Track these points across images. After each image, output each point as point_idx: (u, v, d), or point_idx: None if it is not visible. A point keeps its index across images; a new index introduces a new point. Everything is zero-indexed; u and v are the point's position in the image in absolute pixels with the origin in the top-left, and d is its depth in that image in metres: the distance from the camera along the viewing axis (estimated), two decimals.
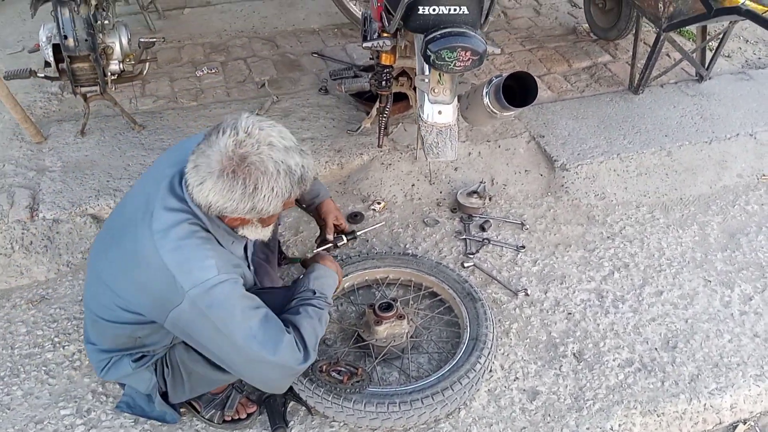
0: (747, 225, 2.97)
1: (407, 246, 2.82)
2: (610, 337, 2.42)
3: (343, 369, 2.09)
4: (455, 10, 2.25)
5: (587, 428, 2.12)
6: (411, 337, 2.34)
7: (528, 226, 2.93)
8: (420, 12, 2.27)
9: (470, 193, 3.02)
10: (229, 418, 2.12)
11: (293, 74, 3.88)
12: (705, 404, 2.21)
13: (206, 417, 2.11)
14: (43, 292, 2.61)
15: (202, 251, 1.64)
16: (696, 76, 3.84)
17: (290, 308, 1.88)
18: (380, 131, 3.11)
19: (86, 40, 2.88)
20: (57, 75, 3.06)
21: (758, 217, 3.02)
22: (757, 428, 2.25)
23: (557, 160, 3.18)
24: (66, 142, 3.23)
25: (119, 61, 3.10)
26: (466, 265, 2.72)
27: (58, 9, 2.81)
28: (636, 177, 3.19)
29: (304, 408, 2.16)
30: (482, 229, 2.91)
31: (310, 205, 2.27)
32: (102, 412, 2.16)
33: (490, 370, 2.28)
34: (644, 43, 3.97)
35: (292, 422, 2.13)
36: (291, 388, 2.14)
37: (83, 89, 3.09)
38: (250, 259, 1.94)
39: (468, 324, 2.30)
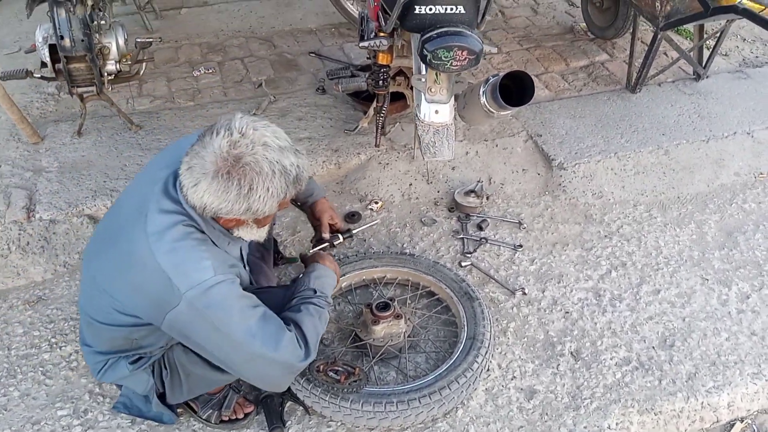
0: (744, 223, 2.97)
1: (405, 245, 2.82)
2: (608, 336, 2.42)
3: (340, 368, 2.09)
4: (452, 9, 2.26)
5: (585, 427, 2.12)
6: (408, 336, 2.34)
7: (525, 225, 2.92)
8: (416, 11, 2.27)
9: (468, 193, 3.02)
10: (227, 418, 2.11)
11: (290, 74, 3.88)
12: (702, 402, 2.21)
13: (203, 417, 2.11)
14: (40, 293, 2.60)
15: (197, 253, 1.63)
16: (693, 74, 3.84)
17: (291, 306, 1.87)
18: (377, 131, 3.11)
19: (82, 41, 2.88)
20: (53, 75, 3.06)
21: (755, 216, 3.02)
22: (754, 426, 2.25)
23: (555, 159, 3.19)
24: (63, 142, 3.23)
25: (116, 62, 3.10)
26: (463, 264, 2.72)
27: (54, 9, 2.81)
28: (633, 176, 3.19)
29: (301, 408, 2.15)
30: (479, 228, 2.91)
31: (303, 204, 2.26)
32: (99, 412, 2.15)
33: (488, 370, 2.28)
34: (642, 41, 3.97)
35: (289, 422, 2.13)
36: (288, 388, 2.14)
37: (80, 89, 3.09)
38: (245, 259, 1.93)
39: (465, 323, 2.30)
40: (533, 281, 2.65)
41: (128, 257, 1.65)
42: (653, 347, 2.38)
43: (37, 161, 3.10)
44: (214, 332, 1.66)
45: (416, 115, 2.46)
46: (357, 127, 3.29)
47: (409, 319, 2.37)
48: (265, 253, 2.22)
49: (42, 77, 3.11)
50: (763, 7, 3.06)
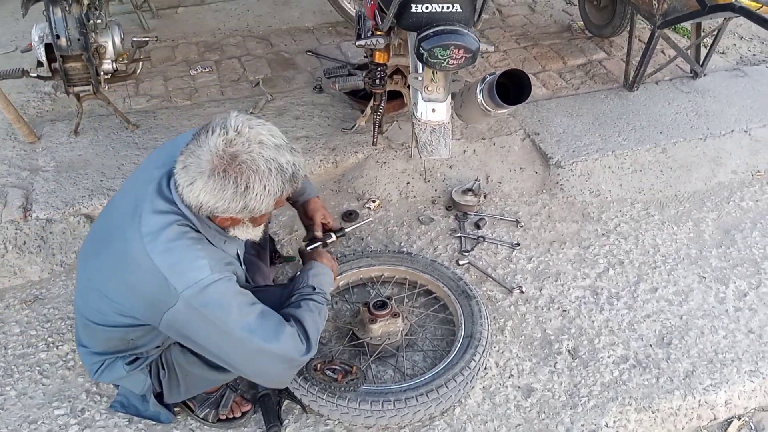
0: (742, 221, 2.98)
1: (402, 244, 2.82)
2: (605, 334, 2.42)
3: (337, 367, 2.08)
4: (448, 7, 2.26)
5: (582, 425, 2.11)
6: (406, 335, 2.34)
7: (523, 224, 2.92)
8: (413, 10, 2.27)
9: (465, 191, 3.02)
10: (224, 417, 2.11)
11: (287, 73, 3.87)
12: (699, 400, 2.21)
13: (201, 416, 2.11)
14: (37, 292, 2.60)
15: (193, 252, 1.63)
16: (691, 72, 3.84)
17: (290, 303, 1.87)
18: (375, 129, 3.11)
19: (78, 40, 2.87)
20: (50, 74, 3.05)
21: (753, 214, 3.02)
22: (751, 424, 2.25)
23: (552, 158, 3.18)
24: (59, 141, 3.22)
25: (112, 61, 3.09)
26: (461, 262, 2.71)
27: (50, 8, 2.80)
28: (631, 174, 3.19)
29: (298, 406, 2.15)
30: (477, 226, 2.91)
31: (295, 203, 2.26)
32: (96, 411, 2.15)
33: (485, 368, 2.28)
34: (639, 40, 3.96)
35: (286, 421, 2.13)
36: (286, 387, 2.15)
37: (76, 89, 3.08)
38: (242, 258, 1.93)
39: (463, 321, 2.30)
40: (531, 279, 2.65)
41: (123, 257, 1.65)
42: (651, 345, 2.38)
43: (34, 160, 3.10)
44: (213, 331, 1.65)
45: (413, 114, 2.46)
46: (354, 125, 3.28)
47: (406, 317, 2.37)
48: (261, 251, 2.22)
49: (38, 76, 3.10)
50: (760, 5, 3.06)
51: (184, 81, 3.77)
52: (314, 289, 1.92)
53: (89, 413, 2.15)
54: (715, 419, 2.24)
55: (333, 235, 2.25)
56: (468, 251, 2.77)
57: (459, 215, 2.96)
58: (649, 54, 3.53)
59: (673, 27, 3.88)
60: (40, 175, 2.99)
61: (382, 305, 2.29)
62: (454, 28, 2.23)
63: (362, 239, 2.85)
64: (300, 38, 4.26)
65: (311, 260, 2.05)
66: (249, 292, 1.73)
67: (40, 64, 3.02)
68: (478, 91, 2.33)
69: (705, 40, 3.79)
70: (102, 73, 3.09)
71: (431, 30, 2.23)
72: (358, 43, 2.67)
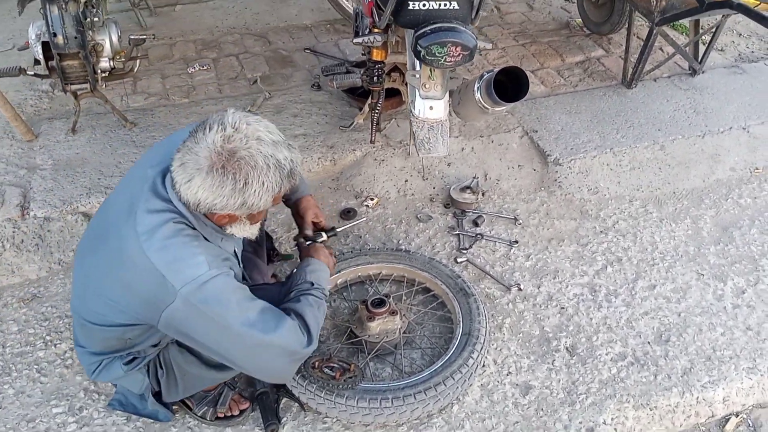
0: (740, 218, 2.97)
1: (400, 242, 2.82)
2: (603, 331, 2.42)
3: (335, 365, 2.09)
4: (445, 5, 2.25)
5: (580, 422, 2.12)
6: (404, 332, 2.34)
7: (521, 221, 2.92)
8: (410, 7, 2.27)
9: (463, 189, 3.02)
10: (222, 415, 2.11)
11: (285, 70, 3.87)
12: (697, 397, 2.21)
13: (199, 414, 2.11)
14: (35, 291, 2.60)
15: (189, 248, 1.62)
16: (689, 70, 3.84)
17: (289, 299, 1.87)
18: (372, 127, 3.10)
19: (75, 38, 2.87)
20: (47, 73, 3.04)
21: (751, 211, 3.02)
22: (749, 421, 2.26)
23: (550, 155, 3.18)
24: (57, 139, 3.22)
25: (109, 59, 3.08)
26: (459, 260, 2.71)
27: (47, 6, 2.79)
28: (629, 171, 3.19)
29: (296, 404, 2.15)
30: (475, 224, 2.91)
31: (287, 201, 2.25)
32: (94, 409, 2.15)
33: (483, 365, 2.28)
34: (637, 37, 3.96)
35: (284, 419, 2.13)
36: (283, 385, 2.15)
37: (73, 87, 3.07)
38: (239, 256, 1.93)
39: (461, 319, 2.30)
40: (529, 277, 2.65)
41: (119, 255, 1.65)
42: (649, 342, 2.38)
43: (32, 159, 3.09)
44: (212, 327, 1.65)
45: (411, 111, 2.46)
46: (352, 123, 3.28)
47: (404, 315, 2.37)
48: (258, 248, 2.22)
49: (35, 75, 3.09)
50: (758, 2, 3.06)
51: (181, 79, 3.77)
52: (312, 284, 1.92)
53: (87, 411, 2.15)
54: (713, 416, 2.24)
55: (324, 234, 2.22)
56: (466, 249, 2.77)
57: (457, 213, 2.96)
58: (647, 51, 3.53)
59: (671, 24, 3.88)
60: (37, 174, 2.99)
61: (380, 303, 2.29)
62: (452, 25, 2.22)
63: (360, 237, 2.84)
64: (298, 36, 4.26)
65: (308, 257, 2.04)
66: (247, 287, 1.73)
67: (37, 62, 3.02)
68: (475, 88, 2.33)
69: (703, 37, 3.79)
70: (99, 71, 3.08)
71: (428, 27, 2.23)
72: (355, 40, 2.66)
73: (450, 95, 2.53)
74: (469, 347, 2.17)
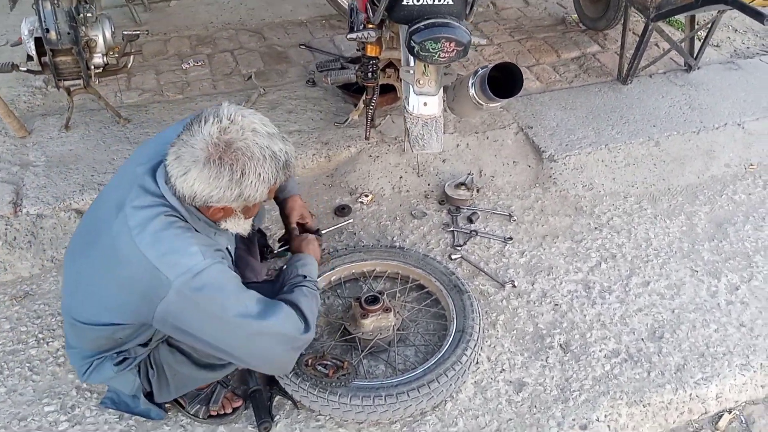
0: (734, 215, 2.97)
1: (395, 238, 2.81)
2: (597, 328, 2.42)
3: (329, 362, 2.08)
4: (439, 0, 2.24)
5: (573, 419, 2.12)
6: (397, 329, 2.33)
7: (516, 218, 2.92)
8: (404, 3, 2.26)
9: (458, 185, 3.01)
10: (215, 413, 2.10)
11: (280, 66, 3.85)
12: (691, 394, 2.21)
13: (191, 412, 2.10)
14: (27, 288, 2.59)
15: (182, 240, 1.62)
16: (684, 65, 3.84)
17: (284, 291, 1.87)
18: (367, 123, 3.10)
19: (68, 33, 2.85)
20: (40, 69, 3.02)
21: (745, 207, 3.02)
22: (742, 417, 2.26)
23: (545, 151, 3.18)
24: (50, 136, 3.20)
25: (103, 54, 3.06)
26: (453, 257, 2.71)
27: (40, 2, 2.77)
28: (624, 167, 3.19)
29: (290, 402, 2.15)
30: (470, 220, 2.90)
31: (275, 199, 2.25)
32: (86, 408, 2.14)
33: (477, 362, 2.27)
34: (633, 33, 3.96)
35: (277, 416, 2.12)
36: (276, 382, 2.14)
37: (66, 83, 3.05)
38: (233, 254, 1.92)
39: (455, 316, 2.30)
40: (523, 274, 2.65)
41: (112, 254, 1.64)
42: (642, 339, 2.38)
43: (24, 155, 3.08)
44: (208, 319, 1.64)
45: (405, 108, 2.45)
46: (347, 119, 3.27)
47: (398, 312, 2.36)
48: (251, 246, 2.21)
49: (28, 71, 3.07)
50: None
51: (176, 75, 3.75)
52: (305, 277, 1.92)
53: (79, 410, 2.14)
54: (706, 413, 2.24)
55: (308, 235, 2.22)
56: (460, 245, 2.77)
57: (452, 209, 2.95)
58: (642, 47, 3.52)
59: (667, 20, 3.88)
60: (30, 170, 2.97)
61: (374, 300, 2.28)
62: (446, 20, 2.22)
63: (355, 234, 2.84)
64: (293, 31, 4.24)
65: (298, 252, 2.05)
66: (240, 278, 1.73)
67: (30, 58, 3.00)
68: (470, 84, 2.32)
69: (699, 33, 3.78)
70: (93, 67, 3.06)
71: (422, 23, 2.22)
72: (349, 36, 2.65)
73: (444, 91, 2.52)
74: (462, 344, 2.17)
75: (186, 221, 1.67)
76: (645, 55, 3.60)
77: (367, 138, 3.16)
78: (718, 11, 3.47)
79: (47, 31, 2.83)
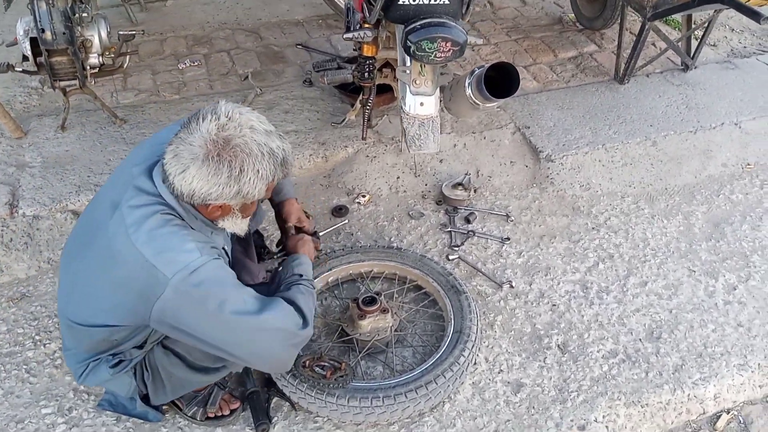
0: (731, 214, 2.98)
1: (392, 239, 2.81)
2: (595, 329, 2.42)
3: (326, 364, 2.07)
4: (435, 0, 2.23)
5: (571, 420, 2.11)
6: (395, 330, 2.33)
7: (513, 218, 2.92)
8: (400, 2, 2.25)
9: (455, 185, 3.01)
10: (212, 415, 2.09)
11: (277, 66, 3.85)
12: (689, 394, 2.21)
13: (189, 414, 2.09)
14: (24, 290, 2.58)
15: (179, 237, 1.62)
16: (681, 65, 3.84)
17: (280, 290, 1.87)
18: (364, 123, 3.09)
19: (64, 33, 2.84)
20: (35, 69, 3.01)
21: (743, 207, 3.02)
22: (740, 417, 2.26)
23: (542, 151, 3.17)
24: (46, 137, 3.19)
25: (98, 55, 3.05)
26: (450, 257, 2.71)
27: (35, 2, 2.76)
28: (621, 167, 3.19)
29: (287, 404, 2.14)
30: (467, 221, 2.90)
31: (271, 202, 2.24)
32: (84, 410, 2.13)
33: (475, 363, 2.27)
34: (630, 32, 3.96)
35: (275, 418, 2.12)
36: (274, 384, 2.14)
37: (62, 83, 3.04)
38: (230, 255, 1.92)
39: (452, 317, 2.29)
40: (520, 274, 2.65)
41: (108, 254, 1.63)
42: (640, 339, 2.38)
43: (21, 156, 3.06)
44: (205, 316, 1.63)
45: (401, 108, 2.44)
46: (344, 119, 3.26)
47: (395, 313, 2.36)
48: (248, 248, 2.20)
49: (24, 71, 3.06)
50: None
51: (172, 75, 3.74)
52: (301, 276, 1.93)
53: (77, 412, 2.13)
54: (704, 413, 2.24)
55: (303, 235, 2.21)
56: (458, 246, 2.77)
57: (449, 210, 2.95)
58: (639, 46, 3.52)
59: (663, 19, 3.87)
60: (26, 171, 2.96)
61: (372, 301, 2.28)
62: (442, 20, 2.21)
63: (352, 234, 2.83)
64: (290, 31, 4.24)
65: (294, 252, 2.06)
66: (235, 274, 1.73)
67: (25, 58, 2.99)
68: (466, 84, 2.32)
69: (696, 33, 3.78)
70: (88, 67, 3.06)
71: (418, 23, 2.21)
72: (345, 35, 2.65)
73: (441, 91, 2.51)
74: (460, 345, 2.17)
75: (182, 220, 1.67)
76: (642, 54, 3.61)
77: (364, 138, 3.15)
78: (715, 10, 3.47)
79: (43, 31, 2.82)
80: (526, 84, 3.68)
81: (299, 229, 2.20)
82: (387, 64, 2.97)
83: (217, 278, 1.64)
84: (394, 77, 2.98)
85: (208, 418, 2.09)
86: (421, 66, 2.32)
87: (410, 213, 2.95)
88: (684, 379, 2.24)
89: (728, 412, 2.26)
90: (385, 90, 3.18)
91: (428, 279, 2.46)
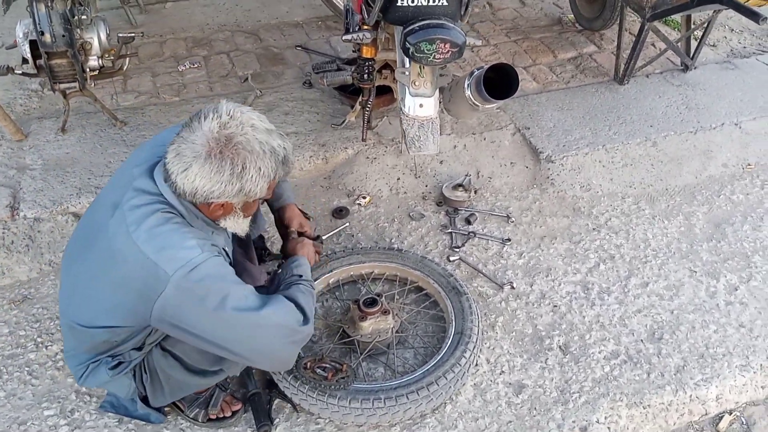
0: (732, 215, 2.98)
1: (393, 240, 2.81)
2: (596, 330, 2.42)
3: (327, 365, 2.07)
4: (434, 1, 2.24)
5: (573, 421, 2.11)
6: (396, 332, 2.33)
7: (513, 219, 2.92)
8: (399, 4, 2.25)
9: (456, 186, 3.01)
10: (214, 417, 2.09)
11: (277, 68, 3.85)
12: (691, 395, 2.21)
13: (190, 416, 2.09)
14: (26, 292, 2.58)
15: (180, 234, 1.62)
16: (681, 65, 3.84)
17: (280, 290, 1.87)
18: (364, 125, 3.09)
19: (63, 36, 2.84)
20: (35, 71, 3.02)
21: (743, 207, 3.02)
22: (742, 419, 2.26)
23: (543, 152, 3.18)
24: (47, 139, 3.19)
25: (98, 57, 3.06)
26: (451, 258, 2.71)
27: (34, 4, 2.76)
28: (621, 168, 3.19)
29: (289, 405, 2.14)
30: (468, 222, 2.90)
31: (271, 207, 2.25)
32: (86, 412, 2.14)
33: (476, 365, 2.27)
34: (629, 33, 3.96)
35: (277, 420, 2.12)
36: (276, 385, 2.14)
37: (62, 86, 3.05)
38: (231, 255, 1.92)
39: (453, 318, 2.29)
40: (521, 275, 2.65)
41: (109, 254, 1.64)
42: (642, 340, 2.38)
43: (21, 159, 3.07)
44: (205, 313, 1.63)
45: (401, 109, 2.45)
46: (344, 121, 3.27)
47: (396, 314, 2.36)
48: (249, 250, 2.20)
49: (23, 73, 3.07)
50: None
51: (172, 77, 3.74)
52: (301, 276, 1.93)
53: (79, 414, 2.13)
54: (706, 414, 2.24)
55: (303, 238, 2.21)
56: (459, 247, 2.77)
57: (450, 211, 2.95)
58: (639, 47, 3.52)
59: (663, 20, 3.88)
60: (27, 174, 2.97)
61: (373, 302, 2.28)
62: (440, 22, 2.21)
63: (353, 236, 2.83)
64: (289, 33, 4.24)
65: (292, 254, 2.06)
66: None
67: (25, 60, 2.99)
68: (465, 85, 2.32)
69: (695, 33, 3.78)
70: (88, 69, 3.06)
71: (417, 24, 2.21)
72: (344, 37, 2.65)
73: (440, 92, 2.52)
74: (461, 346, 2.17)
75: (183, 218, 1.67)
76: (641, 55, 3.61)
77: (364, 140, 3.15)
78: (714, 11, 3.47)
79: (42, 33, 2.82)
80: (526, 85, 3.68)
81: (301, 234, 2.20)
82: (386, 66, 2.97)
83: (218, 274, 1.64)
84: (394, 79, 2.98)
85: (209, 420, 2.09)
86: (420, 67, 2.32)
87: (411, 214, 2.95)
88: (686, 380, 2.24)
89: (730, 413, 2.26)
90: (384, 91, 3.18)
91: (429, 280, 2.46)
